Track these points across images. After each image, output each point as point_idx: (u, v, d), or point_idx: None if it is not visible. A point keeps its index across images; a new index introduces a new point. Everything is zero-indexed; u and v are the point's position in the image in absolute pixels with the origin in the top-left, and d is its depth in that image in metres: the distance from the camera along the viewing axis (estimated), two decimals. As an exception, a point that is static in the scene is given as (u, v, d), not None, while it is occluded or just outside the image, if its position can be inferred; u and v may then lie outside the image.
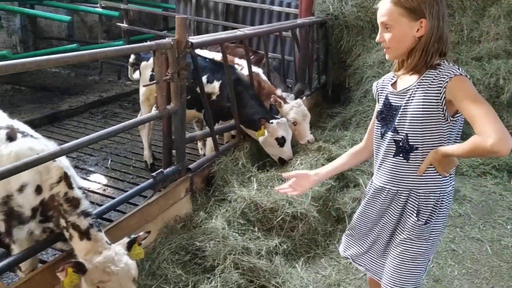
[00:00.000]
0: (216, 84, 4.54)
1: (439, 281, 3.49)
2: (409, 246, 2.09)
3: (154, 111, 3.66)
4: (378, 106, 2.17)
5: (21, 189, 2.45)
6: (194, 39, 3.64)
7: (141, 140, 5.48)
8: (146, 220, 3.26)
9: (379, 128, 2.15)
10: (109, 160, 5.49)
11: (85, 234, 2.46)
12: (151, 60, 4.70)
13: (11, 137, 2.58)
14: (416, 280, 2.12)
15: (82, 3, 9.85)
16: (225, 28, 7.84)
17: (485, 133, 1.70)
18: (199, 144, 5.67)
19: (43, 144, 2.60)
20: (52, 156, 2.42)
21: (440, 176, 2.00)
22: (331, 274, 3.45)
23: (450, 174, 2.05)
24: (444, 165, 1.95)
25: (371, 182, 2.25)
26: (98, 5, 8.71)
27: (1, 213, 2.50)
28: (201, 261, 3.28)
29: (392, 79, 2.15)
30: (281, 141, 4.39)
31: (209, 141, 4.68)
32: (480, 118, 1.73)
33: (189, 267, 3.24)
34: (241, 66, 4.89)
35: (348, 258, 2.44)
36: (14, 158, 2.40)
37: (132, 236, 2.51)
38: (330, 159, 4.48)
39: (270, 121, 4.34)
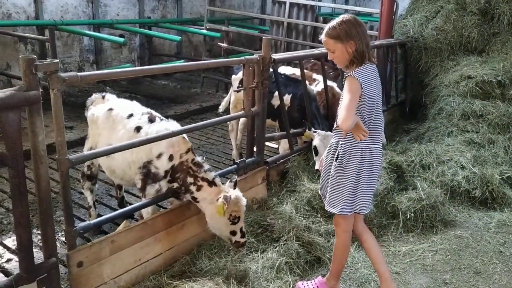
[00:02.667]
0: (287, 97, 5.28)
1: (479, 273, 3.88)
2: (332, 178, 3.14)
3: (240, 112, 4.53)
4: None
5: (159, 156, 3.54)
6: (276, 56, 4.48)
7: (231, 142, 6.43)
8: (229, 196, 4.12)
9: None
10: (204, 157, 6.47)
11: (212, 183, 3.53)
12: (239, 74, 5.67)
13: (151, 120, 3.73)
14: (337, 202, 3.14)
15: (190, 25, 11.29)
16: (312, 48, 8.63)
17: (339, 116, 2.85)
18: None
19: (174, 126, 3.70)
20: (169, 136, 3.49)
21: (352, 137, 3.03)
22: (379, 256, 4.02)
23: (364, 140, 3.02)
24: (354, 131, 2.96)
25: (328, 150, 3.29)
26: (204, 27, 10.00)
27: (141, 174, 3.60)
28: (270, 234, 4.04)
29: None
30: (315, 150, 4.94)
31: (282, 143, 5.43)
32: (341, 106, 2.85)
33: (260, 237, 4.01)
34: (318, 80, 5.63)
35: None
36: (155, 133, 3.53)
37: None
38: (391, 164, 5.04)
39: (314, 130, 4.92)
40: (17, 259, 3.84)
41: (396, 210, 4.53)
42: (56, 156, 2.72)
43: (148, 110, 3.93)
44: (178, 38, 9.13)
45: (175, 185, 3.61)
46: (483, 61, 6.95)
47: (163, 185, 3.59)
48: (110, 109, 3.93)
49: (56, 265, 2.80)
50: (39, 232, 3.02)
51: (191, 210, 3.75)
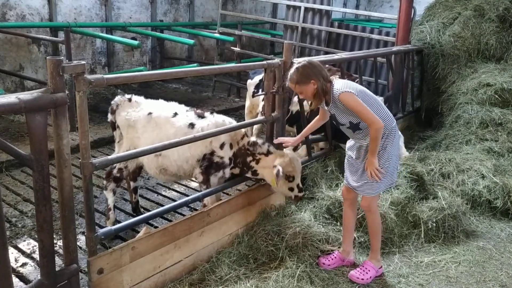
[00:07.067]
0: (305, 103, 5.20)
1: (505, 286, 3.78)
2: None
3: (260, 117, 4.46)
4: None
5: (221, 146, 3.85)
6: (297, 60, 4.39)
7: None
8: (249, 202, 4.04)
9: (335, 124, 3.70)
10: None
11: (268, 153, 3.93)
12: (255, 78, 5.60)
13: (200, 115, 3.89)
14: (377, 185, 3.51)
15: (202, 29, 11.26)
16: (326, 54, 8.56)
17: (371, 125, 3.25)
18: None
19: (228, 119, 3.99)
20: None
21: None
22: (401, 267, 3.93)
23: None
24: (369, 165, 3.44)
25: (352, 145, 3.68)
26: (216, 31, 9.95)
27: (201, 167, 3.80)
28: (288, 241, 3.96)
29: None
30: None
31: (299, 150, 5.35)
32: (363, 115, 3.26)
33: (279, 245, 3.93)
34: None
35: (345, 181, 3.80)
36: (215, 125, 3.82)
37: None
38: (412, 173, 4.93)
39: None
40: (32, 263, 3.79)
41: (417, 220, 4.44)
42: (80, 160, 2.66)
43: (187, 107, 4.06)
44: (191, 41, 9.07)
45: (236, 170, 3.99)
46: (502, 69, 6.85)
47: (227, 172, 3.95)
48: (150, 113, 3.93)
49: (77, 271, 2.73)
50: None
51: (211, 217, 3.68)
